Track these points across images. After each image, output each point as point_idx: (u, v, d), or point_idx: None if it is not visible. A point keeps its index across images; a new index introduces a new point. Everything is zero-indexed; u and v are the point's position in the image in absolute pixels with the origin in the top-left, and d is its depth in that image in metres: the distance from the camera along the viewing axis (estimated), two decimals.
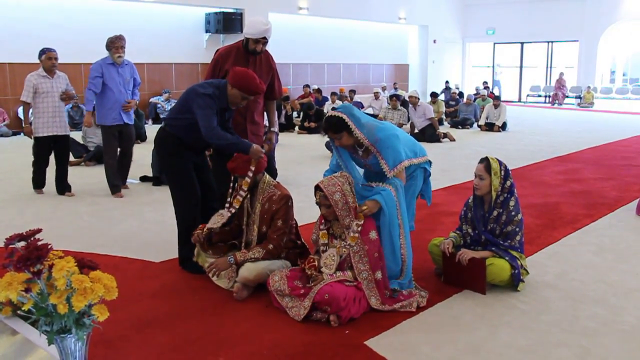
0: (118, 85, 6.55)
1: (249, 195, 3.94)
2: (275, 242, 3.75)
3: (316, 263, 3.54)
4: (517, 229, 3.75)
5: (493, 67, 24.96)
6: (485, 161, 3.79)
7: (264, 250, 3.72)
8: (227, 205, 3.94)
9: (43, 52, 6.47)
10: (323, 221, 3.63)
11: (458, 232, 4.02)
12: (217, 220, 3.89)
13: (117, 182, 6.73)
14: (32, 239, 1.89)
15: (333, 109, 3.85)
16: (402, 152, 3.68)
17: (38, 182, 6.82)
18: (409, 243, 3.71)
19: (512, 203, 3.75)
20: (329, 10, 18.21)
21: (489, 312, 3.50)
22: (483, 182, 3.76)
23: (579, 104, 20.77)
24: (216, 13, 15.38)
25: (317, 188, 3.51)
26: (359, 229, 3.46)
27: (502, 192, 3.76)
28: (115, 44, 6.49)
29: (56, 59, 6.48)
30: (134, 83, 6.79)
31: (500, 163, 3.79)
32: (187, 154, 4.11)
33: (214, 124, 3.89)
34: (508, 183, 3.76)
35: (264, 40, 4.53)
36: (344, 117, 3.63)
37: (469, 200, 3.96)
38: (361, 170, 3.95)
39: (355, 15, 19.17)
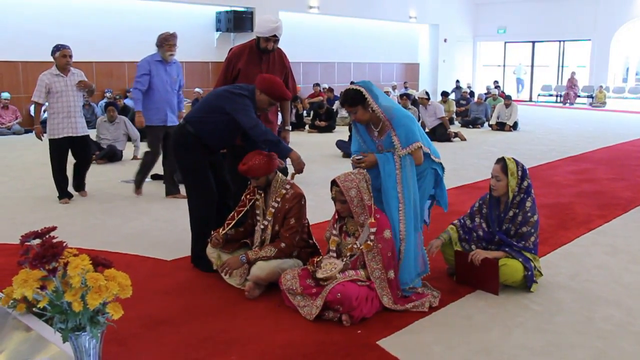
0: (165, 84, 6.31)
1: (262, 194, 3.94)
2: (287, 240, 3.74)
3: (316, 258, 3.56)
4: (533, 230, 3.72)
5: (504, 66, 24.82)
6: (501, 162, 3.74)
7: (275, 249, 3.72)
8: (258, 219, 3.94)
9: (57, 49, 6.19)
10: (337, 218, 3.62)
11: (457, 222, 3.98)
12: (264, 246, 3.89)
13: (143, 180, 6.60)
14: (47, 236, 1.89)
15: (352, 82, 3.85)
16: (417, 134, 3.65)
17: (62, 191, 6.39)
18: (410, 221, 3.63)
19: (528, 204, 3.71)
20: (340, 9, 18.18)
21: (502, 312, 3.47)
22: (500, 183, 3.72)
23: (591, 104, 20.62)
24: (227, 12, 15.40)
25: (334, 183, 3.51)
26: (372, 236, 3.43)
27: (519, 193, 3.72)
28: (168, 42, 6.23)
29: (71, 56, 6.20)
30: (178, 84, 6.54)
31: (517, 163, 3.74)
32: (203, 152, 4.12)
33: (256, 119, 3.95)
34: (525, 183, 3.72)
35: (274, 38, 4.52)
36: (362, 90, 3.63)
37: (486, 196, 3.91)
38: None
39: (366, 14, 19.13)
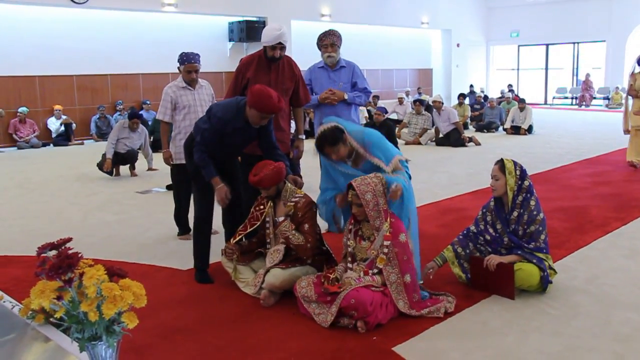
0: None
1: (272, 204, 3.96)
2: (312, 243, 3.79)
3: (332, 275, 3.56)
4: (541, 229, 3.74)
5: (518, 69, 24.69)
6: (499, 162, 3.84)
7: (301, 242, 3.75)
8: (268, 227, 3.98)
9: (181, 61, 5.21)
10: (353, 222, 3.64)
11: (456, 240, 4.02)
12: (274, 257, 3.87)
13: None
14: (62, 247, 1.92)
15: (321, 124, 3.91)
16: (392, 149, 3.79)
17: (183, 227, 5.42)
18: (416, 236, 3.72)
19: (532, 202, 3.75)
20: (351, 17, 18.23)
21: (518, 317, 3.45)
22: (498, 182, 3.79)
23: (607, 105, 20.45)
24: (239, 22, 15.50)
25: (350, 186, 3.53)
26: (386, 249, 3.44)
27: (520, 192, 3.76)
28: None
29: (197, 71, 5.24)
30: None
31: (515, 163, 3.82)
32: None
33: (202, 141, 3.95)
34: (526, 183, 3.77)
35: (280, 46, 4.52)
36: (339, 125, 3.75)
37: (490, 203, 3.95)
38: None
39: (378, 20, 19.15)
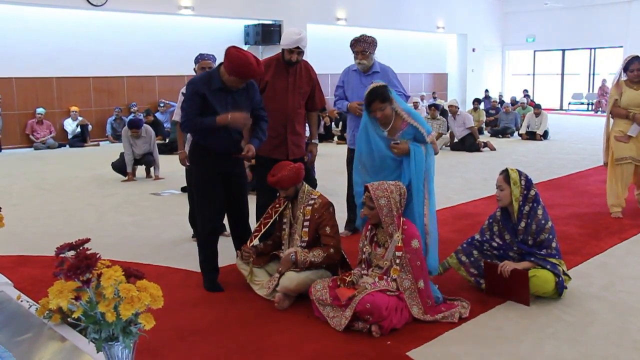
0: None
1: (289, 205, 3.97)
2: (334, 247, 3.79)
3: (349, 278, 3.56)
4: (551, 237, 3.72)
5: (534, 75, 24.54)
6: (504, 172, 3.82)
7: (325, 254, 3.75)
8: (285, 228, 3.98)
9: (196, 60, 5.24)
10: (369, 227, 3.64)
11: (460, 248, 4.00)
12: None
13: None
14: (81, 248, 1.93)
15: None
16: (428, 126, 3.90)
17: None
18: (434, 216, 3.70)
19: (540, 212, 3.73)
20: (367, 21, 18.21)
21: (533, 323, 3.43)
22: (503, 192, 3.77)
23: None
24: (255, 25, 15.55)
25: (366, 189, 3.54)
26: (398, 260, 3.44)
27: (526, 202, 3.74)
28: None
29: (210, 68, 5.10)
30: None
31: (520, 173, 3.80)
32: (212, 162, 4.00)
33: (184, 115, 3.90)
34: (532, 192, 3.75)
35: (298, 50, 4.53)
36: (388, 86, 3.85)
37: (497, 213, 3.94)
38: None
39: (394, 25, 19.12)
